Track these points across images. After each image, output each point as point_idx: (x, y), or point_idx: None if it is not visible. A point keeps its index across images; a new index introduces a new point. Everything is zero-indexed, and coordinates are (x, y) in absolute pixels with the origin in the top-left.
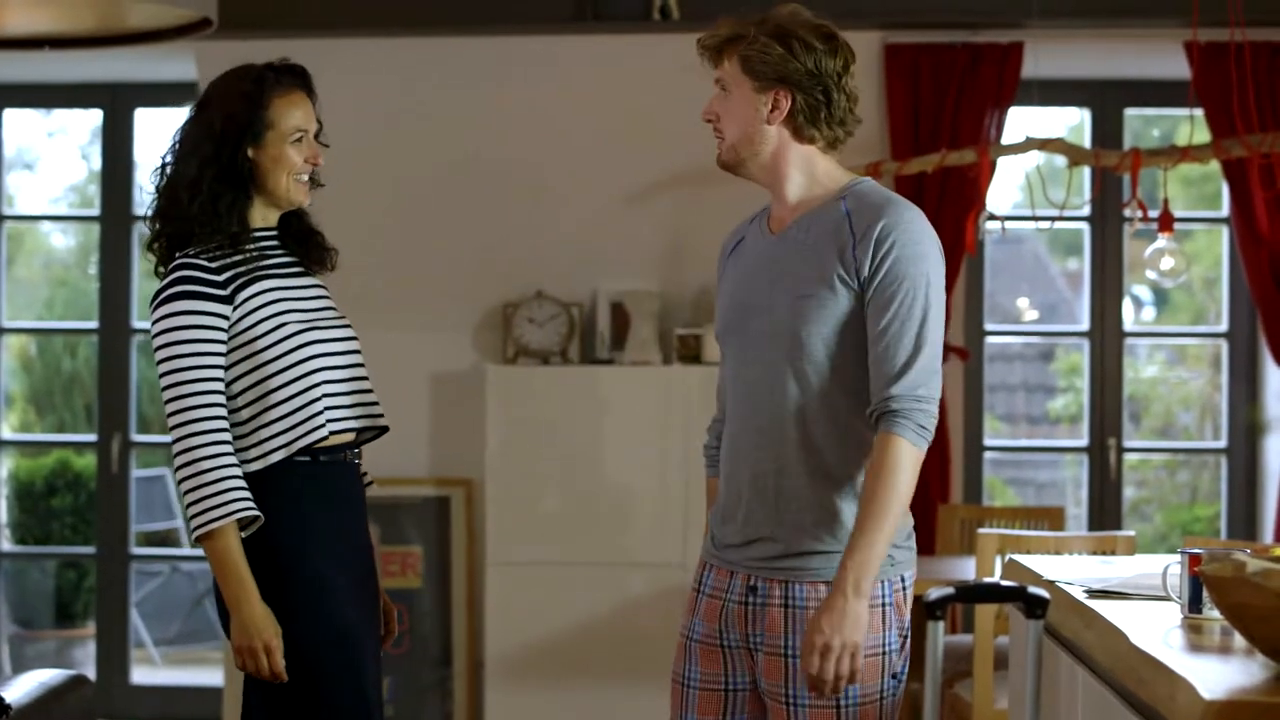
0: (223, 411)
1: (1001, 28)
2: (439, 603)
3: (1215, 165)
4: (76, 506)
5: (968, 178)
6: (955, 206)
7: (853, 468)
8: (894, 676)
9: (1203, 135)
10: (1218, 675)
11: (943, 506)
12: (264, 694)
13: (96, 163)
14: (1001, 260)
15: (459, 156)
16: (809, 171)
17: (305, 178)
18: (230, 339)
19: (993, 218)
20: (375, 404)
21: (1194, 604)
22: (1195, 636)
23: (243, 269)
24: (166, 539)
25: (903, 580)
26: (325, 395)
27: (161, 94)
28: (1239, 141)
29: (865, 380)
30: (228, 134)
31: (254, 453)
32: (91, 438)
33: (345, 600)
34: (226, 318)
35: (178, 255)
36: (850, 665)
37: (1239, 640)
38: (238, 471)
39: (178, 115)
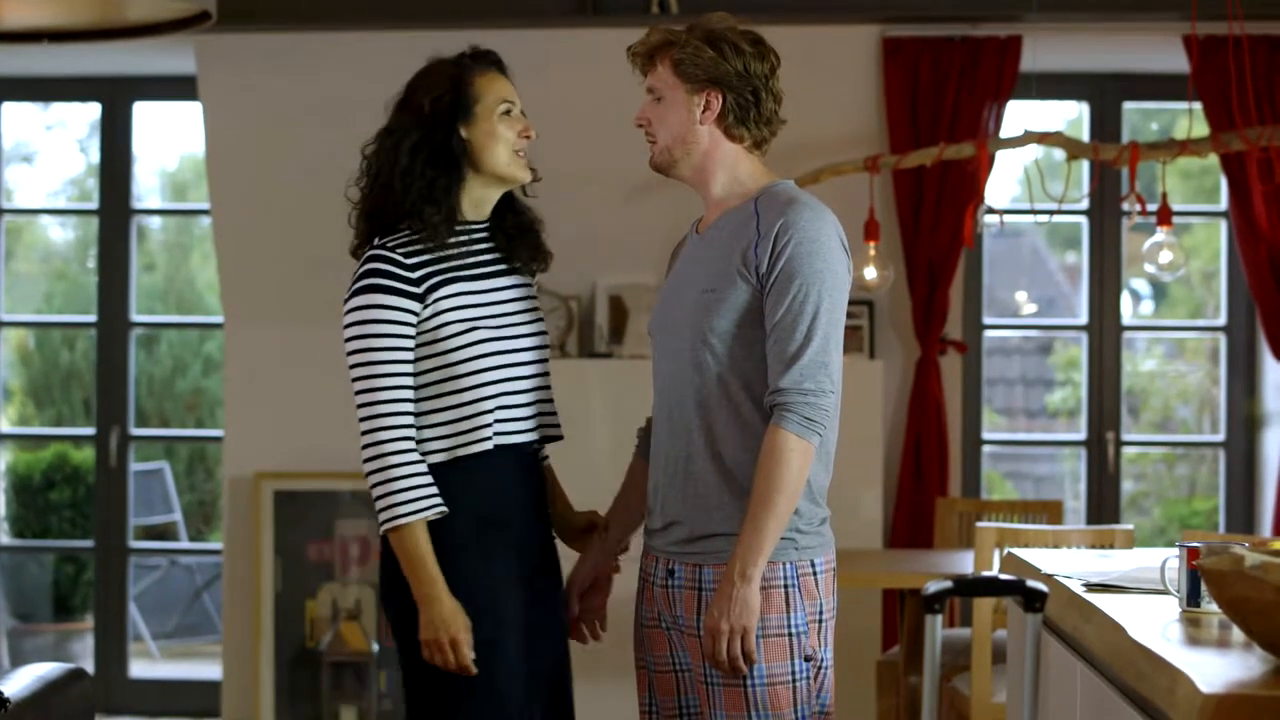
0: (410, 407)
1: (1000, 21)
2: None
3: (1214, 159)
4: (75, 500)
5: (966, 171)
6: (954, 200)
7: (752, 456)
8: (807, 659)
9: (1201, 129)
10: (1216, 669)
11: (941, 500)
12: (424, 682)
13: (95, 156)
14: (1000, 254)
15: None
16: (733, 172)
17: (523, 152)
18: (416, 335)
19: (991, 211)
20: (553, 413)
21: (1192, 598)
22: (1194, 630)
23: (437, 268)
24: (165, 533)
25: (813, 565)
26: (501, 408)
27: (160, 87)
28: (1237, 135)
29: (763, 373)
30: (437, 115)
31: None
32: (90, 431)
33: (497, 589)
34: (416, 314)
35: (374, 244)
36: (742, 647)
37: (1237, 634)
38: (424, 467)
39: (177, 109)
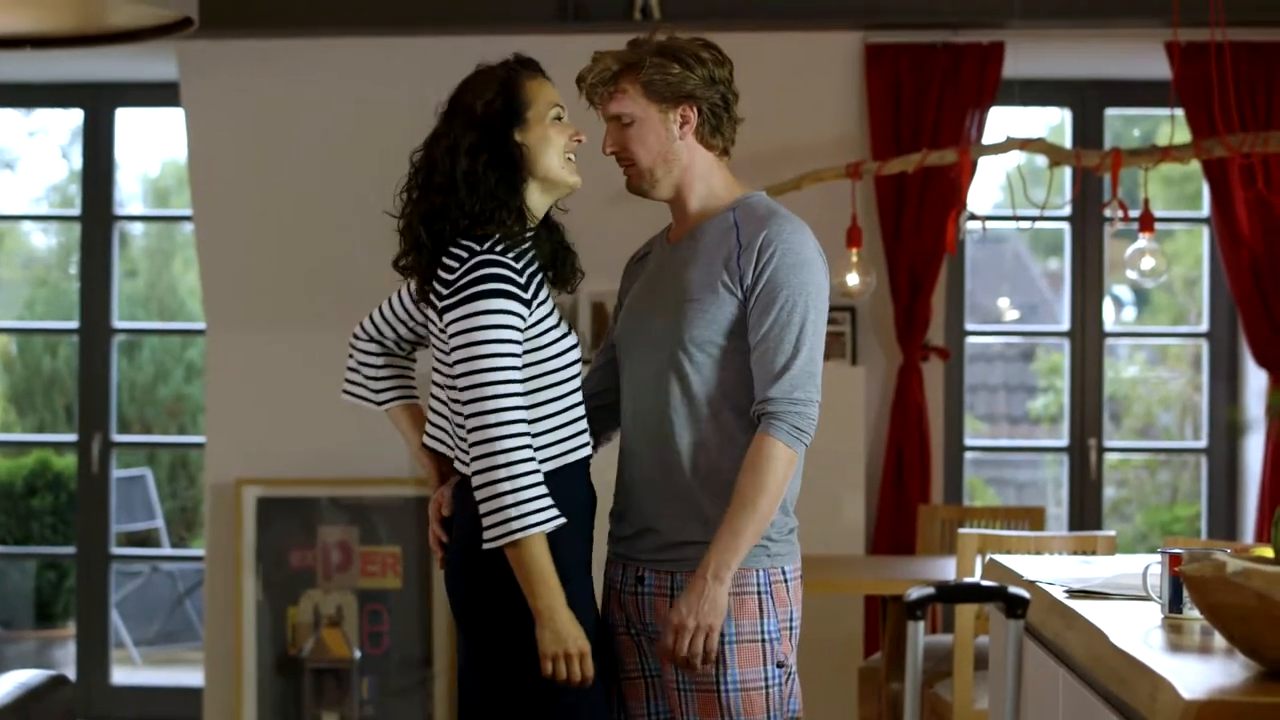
0: (526, 415)
1: (982, 28)
2: (419, 603)
3: (1196, 165)
4: (57, 506)
5: (949, 178)
6: (936, 206)
7: (730, 464)
8: (779, 665)
9: (1183, 135)
10: (1198, 675)
11: (923, 507)
12: (511, 701)
13: (77, 162)
14: (982, 260)
15: None
16: (709, 184)
17: (573, 157)
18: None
19: (973, 217)
20: None
21: (1174, 604)
22: (1175, 636)
23: (532, 270)
24: (147, 539)
25: (784, 572)
26: (584, 412)
27: (142, 94)
28: (1219, 141)
29: (745, 384)
30: (490, 119)
31: None
32: (72, 438)
33: (591, 598)
34: (525, 320)
35: (478, 251)
36: (705, 645)
37: (1219, 640)
38: (542, 478)
39: (159, 115)
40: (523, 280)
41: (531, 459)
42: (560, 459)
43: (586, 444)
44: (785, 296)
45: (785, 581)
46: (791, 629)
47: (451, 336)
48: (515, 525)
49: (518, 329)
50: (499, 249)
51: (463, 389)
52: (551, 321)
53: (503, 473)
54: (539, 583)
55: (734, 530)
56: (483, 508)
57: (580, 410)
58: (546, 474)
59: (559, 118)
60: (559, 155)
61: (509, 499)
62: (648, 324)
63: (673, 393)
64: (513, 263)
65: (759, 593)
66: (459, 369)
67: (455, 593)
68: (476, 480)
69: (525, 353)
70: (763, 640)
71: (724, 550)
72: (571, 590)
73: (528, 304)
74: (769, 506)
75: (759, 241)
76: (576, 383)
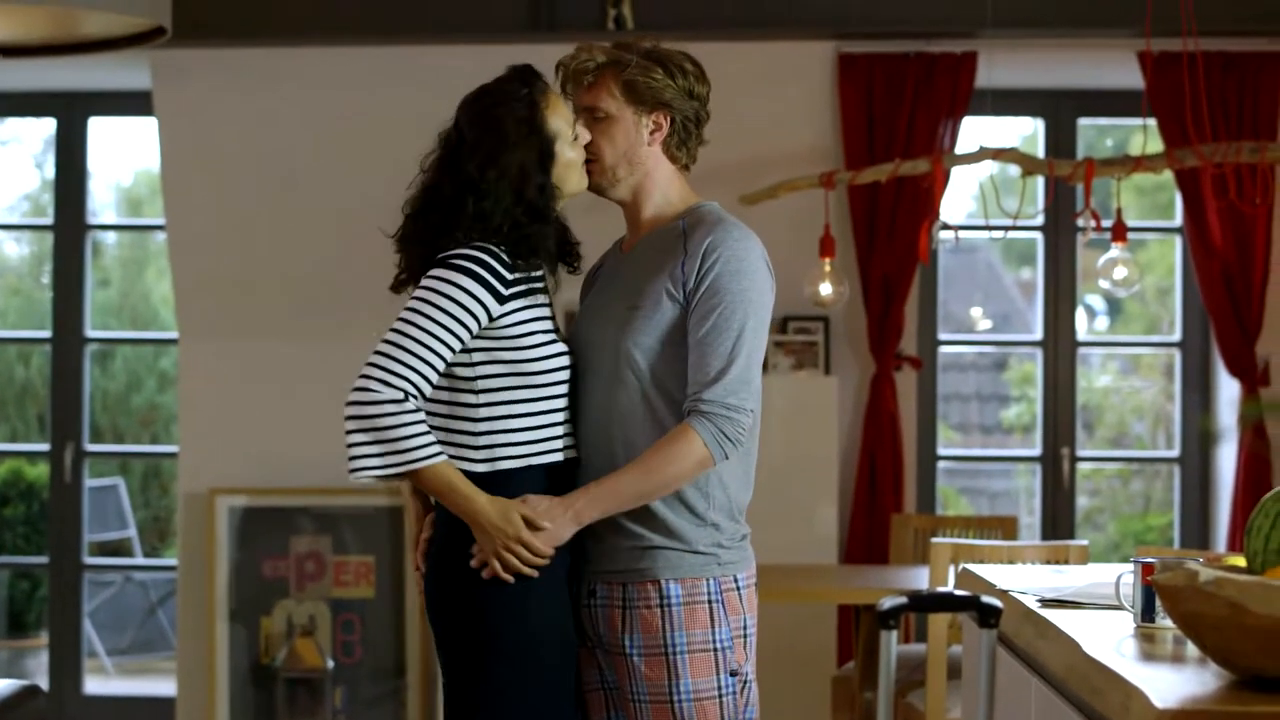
0: (434, 380)
1: (955, 38)
2: (392, 613)
3: (1168, 175)
4: (29, 516)
5: (921, 187)
6: (909, 216)
7: None
8: (732, 674)
9: (1156, 145)
10: (1170, 684)
11: (896, 516)
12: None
13: (50, 172)
14: (955, 269)
15: (414, 166)
16: (666, 193)
17: (583, 161)
18: (487, 336)
19: (946, 227)
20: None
21: (1147, 613)
22: (1148, 646)
23: (525, 275)
24: (119, 549)
25: (736, 581)
26: (566, 420)
27: (116, 103)
28: (1192, 151)
29: (685, 388)
30: (528, 173)
31: (482, 454)
32: (44, 447)
33: (564, 602)
34: (489, 314)
35: (476, 240)
36: (519, 556)
37: (1192, 649)
38: (411, 424)
39: (132, 124)
40: (509, 277)
41: (399, 409)
42: (528, 459)
43: (558, 450)
44: (726, 302)
45: (738, 589)
46: (745, 637)
47: (414, 291)
48: (420, 454)
49: (475, 316)
50: (498, 248)
51: (392, 329)
52: (539, 326)
53: (391, 408)
54: (454, 492)
55: (614, 490)
56: (347, 440)
57: (559, 416)
58: (511, 470)
59: (575, 137)
60: (578, 171)
61: (402, 431)
62: (598, 333)
63: (618, 400)
64: (505, 257)
65: (710, 601)
66: (404, 310)
67: (428, 605)
68: (345, 411)
69: (489, 349)
70: (715, 649)
71: (595, 499)
72: (540, 597)
73: (500, 299)
74: (658, 489)
75: (703, 248)
76: (559, 389)
